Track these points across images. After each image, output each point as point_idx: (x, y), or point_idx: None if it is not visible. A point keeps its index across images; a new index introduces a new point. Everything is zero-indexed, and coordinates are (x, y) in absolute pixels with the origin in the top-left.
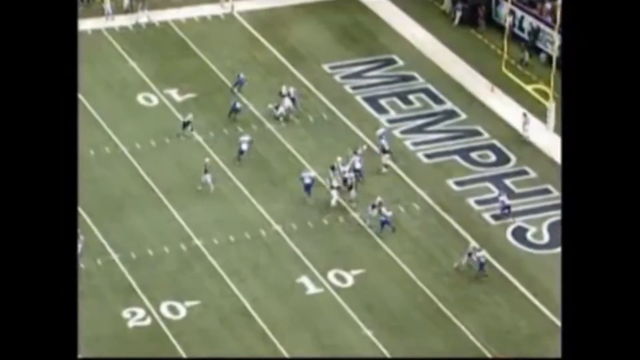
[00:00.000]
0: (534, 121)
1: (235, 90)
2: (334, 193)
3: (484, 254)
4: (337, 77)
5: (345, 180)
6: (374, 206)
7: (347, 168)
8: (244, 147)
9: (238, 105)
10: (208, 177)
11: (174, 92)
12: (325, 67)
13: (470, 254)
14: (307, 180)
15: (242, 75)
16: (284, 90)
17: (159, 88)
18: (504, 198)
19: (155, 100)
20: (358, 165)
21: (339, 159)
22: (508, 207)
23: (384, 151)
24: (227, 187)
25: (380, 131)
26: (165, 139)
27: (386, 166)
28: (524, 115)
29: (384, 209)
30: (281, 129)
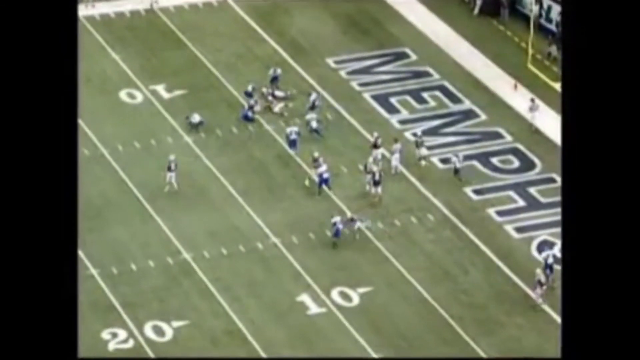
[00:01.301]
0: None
1: (268, 91)
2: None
3: (554, 252)
4: (342, 73)
5: (374, 174)
6: (349, 220)
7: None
8: (294, 137)
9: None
10: (172, 176)
11: (161, 88)
12: (330, 61)
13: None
14: (325, 175)
15: (279, 71)
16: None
17: (144, 83)
18: (550, 253)
19: (139, 97)
20: (394, 162)
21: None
22: (551, 266)
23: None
24: (220, 195)
25: (395, 147)
26: (150, 141)
27: (375, 198)
28: (532, 100)
29: (359, 223)
30: (280, 130)
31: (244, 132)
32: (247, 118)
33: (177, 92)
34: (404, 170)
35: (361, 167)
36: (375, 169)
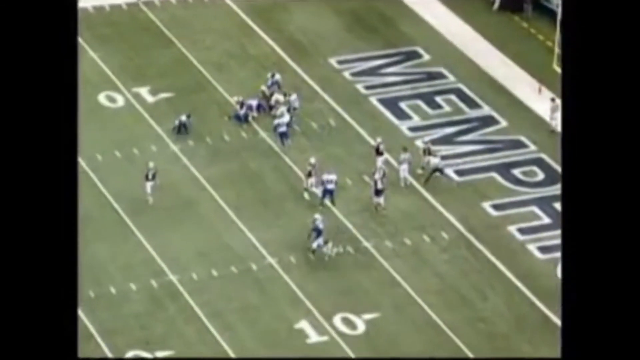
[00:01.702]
0: None
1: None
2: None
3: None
4: (347, 74)
5: (376, 182)
6: (326, 242)
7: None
8: (283, 129)
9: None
10: (149, 186)
11: (144, 91)
12: (333, 61)
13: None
14: (330, 186)
15: (277, 76)
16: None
17: (125, 85)
18: None
19: (120, 101)
20: (402, 173)
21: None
22: None
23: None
24: (210, 209)
25: (403, 156)
26: (132, 149)
27: (377, 206)
28: (552, 100)
29: (329, 246)
30: (288, 145)
31: (236, 139)
32: (239, 118)
33: (163, 95)
34: (414, 182)
35: (367, 179)
36: (377, 176)
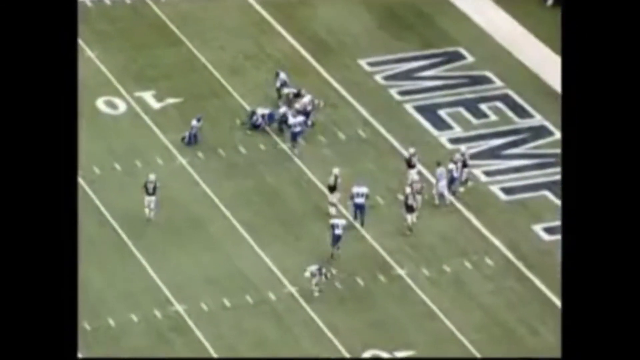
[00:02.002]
0: None
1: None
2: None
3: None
4: (379, 78)
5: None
6: (316, 273)
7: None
8: (298, 129)
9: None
10: (149, 201)
11: (148, 96)
12: (363, 63)
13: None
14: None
15: (282, 75)
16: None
17: (127, 89)
18: None
19: (121, 107)
20: (440, 190)
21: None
22: None
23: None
24: (222, 230)
25: (439, 171)
26: (135, 161)
27: (409, 229)
28: None
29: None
30: (300, 149)
31: (252, 151)
32: (257, 126)
33: (170, 101)
34: (454, 201)
35: (400, 197)
36: (408, 191)
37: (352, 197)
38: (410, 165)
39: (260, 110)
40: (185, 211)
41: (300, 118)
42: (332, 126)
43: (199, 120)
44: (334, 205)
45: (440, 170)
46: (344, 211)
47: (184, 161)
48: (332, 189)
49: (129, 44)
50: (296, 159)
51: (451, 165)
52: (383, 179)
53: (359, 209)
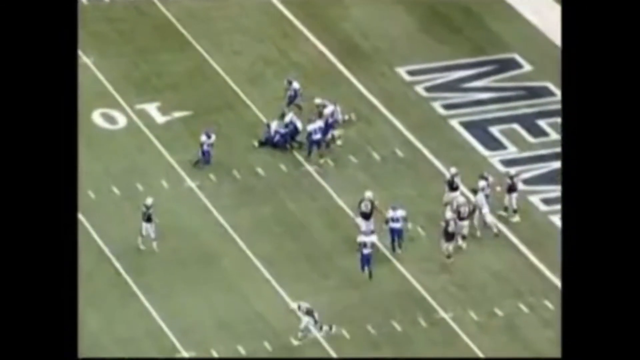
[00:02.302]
0: None
1: (290, 110)
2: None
3: None
4: (420, 89)
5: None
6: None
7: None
8: (317, 136)
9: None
10: (150, 228)
11: (152, 108)
12: (402, 71)
13: None
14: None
15: (295, 84)
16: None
17: (128, 101)
18: None
19: (121, 121)
20: (487, 219)
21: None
22: None
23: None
24: (237, 266)
25: (481, 184)
26: (136, 184)
27: (448, 257)
28: None
29: (325, 328)
30: (328, 171)
31: (272, 173)
32: (275, 144)
33: (177, 115)
34: (505, 230)
35: (443, 224)
36: (448, 215)
37: (387, 221)
38: (452, 187)
39: (277, 125)
40: (194, 243)
41: (319, 123)
42: (365, 145)
43: (209, 135)
44: (363, 233)
45: (480, 196)
46: (378, 244)
47: (192, 184)
48: (365, 216)
49: (130, 48)
50: (323, 182)
51: (482, 183)
52: (424, 206)
53: (396, 234)
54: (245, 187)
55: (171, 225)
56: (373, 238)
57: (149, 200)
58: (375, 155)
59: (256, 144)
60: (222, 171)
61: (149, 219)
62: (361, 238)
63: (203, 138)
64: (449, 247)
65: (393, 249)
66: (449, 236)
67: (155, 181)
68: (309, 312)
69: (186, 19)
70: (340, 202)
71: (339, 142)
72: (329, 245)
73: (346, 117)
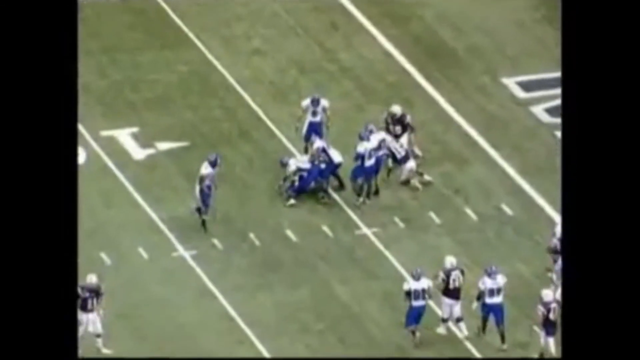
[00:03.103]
0: None
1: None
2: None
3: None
4: (538, 110)
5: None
6: None
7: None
8: (371, 162)
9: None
10: (92, 321)
11: (125, 136)
12: (511, 83)
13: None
14: (418, 302)
15: (323, 102)
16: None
17: (90, 126)
18: None
19: (80, 155)
20: None
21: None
22: None
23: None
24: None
25: (557, 229)
26: (99, 254)
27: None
28: None
29: None
30: (395, 235)
31: (309, 237)
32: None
33: (163, 146)
34: None
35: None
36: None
37: (479, 296)
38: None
39: (296, 162)
40: (189, 344)
41: (382, 136)
42: (453, 196)
43: (214, 163)
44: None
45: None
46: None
47: (186, 254)
48: (449, 293)
49: (97, 47)
50: (387, 252)
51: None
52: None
53: (494, 313)
54: (268, 259)
55: (149, 319)
56: (428, 283)
57: (93, 278)
58: (469, 212)
59: (290, 200)
60: (232, 233)
61: (91, 307)
62: (411, 285)
63: (206, 170)
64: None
65: (484, 328)
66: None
67: (128, 248)
68: None
69: (184, 5)
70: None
71: (417, 184)
72: (393, 347)
73: (416, 150)
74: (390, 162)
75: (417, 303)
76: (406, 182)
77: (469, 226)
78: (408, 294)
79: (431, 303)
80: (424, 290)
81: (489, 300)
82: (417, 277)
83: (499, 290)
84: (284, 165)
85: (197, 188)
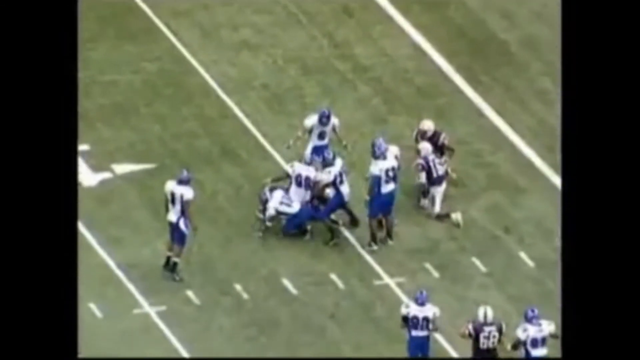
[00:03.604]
0: None
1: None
2: None
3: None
4: None
5: None
6: None
7: None
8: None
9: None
10: None
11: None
12: None
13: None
14: (417, 332)
15: (334, 121)
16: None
17: None
18: None
19: None
20: None
21: None
22: None
23: None
24: None
25: None
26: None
27: None
28: None
29: None
30: (424, 285)
31: (315, 290)
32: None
33: (123, 169)
34: None
35: None
36: None
37: (519, 343)
38: None
39: (280, 200)
40: None
41: (392, 157)
42: (500, 232)
43: (185, 181)
44: None
45: None
46: None
47: (152, 310)
48: (478, 354)
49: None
50: (411, 305)
51: None
52: None
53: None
54: (260, 318)
55: None
56: (435, 311)
57: None
58: (524, 258)
59: (260, 230)
60: (212, 284)
61: None
62: (410, 309)
63: (178, 189)
64: None
65: None
66: None
67: (79, 303)
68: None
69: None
70: (447, 347)
71: (459, 219)
72: None
73: (450, 171)
74: (424, 177)
75: (417, 333)
76: (444, 217)
77: (524, 275)
78: (405, 319)
79: (439, 338)
80: (426, 319)
81: (534, 350)
82: (420, 302)
83: (543, 341)
84: (263, 202)
85: (172, 218)
